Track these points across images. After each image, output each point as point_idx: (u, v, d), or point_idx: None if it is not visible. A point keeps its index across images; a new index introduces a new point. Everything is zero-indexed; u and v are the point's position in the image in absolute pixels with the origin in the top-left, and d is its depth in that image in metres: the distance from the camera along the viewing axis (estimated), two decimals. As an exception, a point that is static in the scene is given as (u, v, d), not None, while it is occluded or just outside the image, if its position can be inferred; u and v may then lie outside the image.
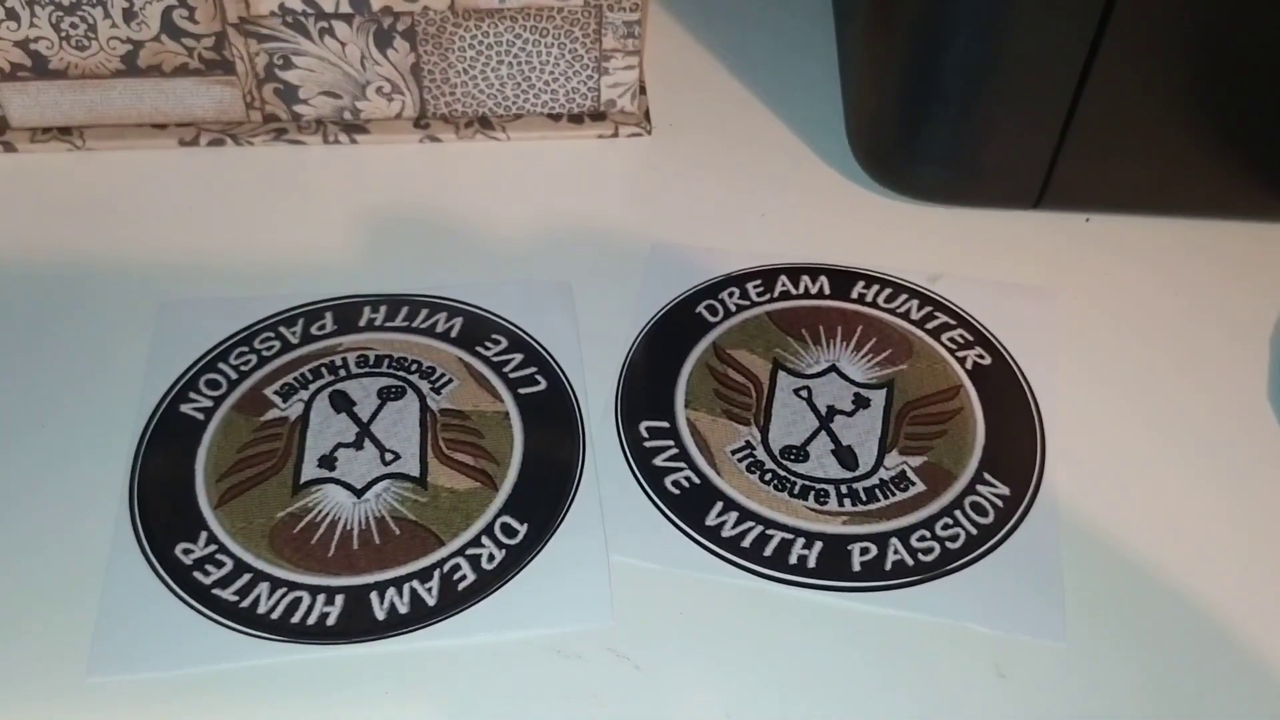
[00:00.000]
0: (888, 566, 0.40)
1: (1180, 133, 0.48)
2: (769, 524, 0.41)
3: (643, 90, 0.55)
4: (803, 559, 0.41)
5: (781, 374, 0.46)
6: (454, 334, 0.46)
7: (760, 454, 0.43)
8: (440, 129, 0.54)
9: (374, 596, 0.39)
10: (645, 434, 0.44)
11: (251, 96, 0.52)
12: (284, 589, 0.39)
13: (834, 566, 0.40)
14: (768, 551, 0.41)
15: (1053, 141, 0.48)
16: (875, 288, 0.49)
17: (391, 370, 0.45)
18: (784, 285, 0.49)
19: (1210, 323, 0.48)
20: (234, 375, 0.45)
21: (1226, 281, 0.50)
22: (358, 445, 0.43)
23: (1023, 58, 0.46)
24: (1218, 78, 0.46)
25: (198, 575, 0.39)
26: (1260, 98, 0.46)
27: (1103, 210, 0.52)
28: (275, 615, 0.39)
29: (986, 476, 0.43)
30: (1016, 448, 0.44)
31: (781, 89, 0.57)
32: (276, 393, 0.44)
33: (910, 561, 0.41)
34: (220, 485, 0.42)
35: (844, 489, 0.42)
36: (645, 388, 0.45)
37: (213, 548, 0.40)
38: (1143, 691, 0.38)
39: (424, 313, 0.47)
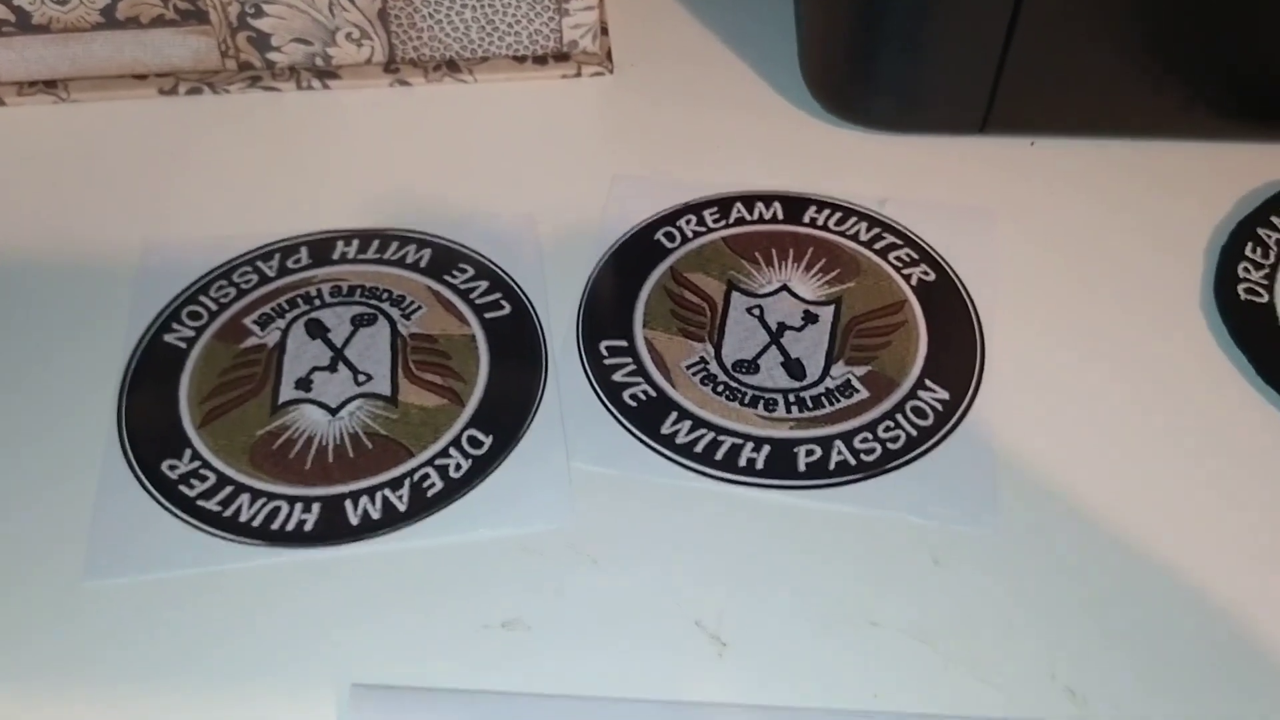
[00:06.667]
0: (831, 466, 0.43)
1: (1115, 56, 0.50)
2: (720, 430, 0.44)
3: (604, 31, 0.57)
4: (751, 461, 0.43)
5: (735, 294, 0.48)
6: (423, 264, 0.49)
7: (713, 368, 0.46)
8: (409, 73, 0.56)
9: (348, 504, 0.42)
10: (605, 352, 0.46)
11: (226, 45, 0.54)
12: (264, 499, 0.42)
13: (781, 467, 0.43)
14: (719, 456, 0.43)
15: (993, 67, 0.50)
16: (826, 212, 0.51)
17: (364, 299, 0.48)
18: (739, 212, 0.51)
19: (1147, 238, 0.51)
20: (214, 307, 0.47)
21: (1163, 198, 0.52)
22: (332, 368, 0.46)
23: (958, -15, 0.48)
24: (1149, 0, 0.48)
25: (183, 488, 0.42)
26: (1192, 18, 0.48)
27: (1045, 133, 0.54)
28: (256, 523, 0.41)
29: (927, 383, 0.45)
30: (957, 356, 0.46)
31: (738, 27, 0.59)
32: (255, 322, 0.47)
33: (853, 461, 0.43)
34: (203, 407, 0.44)
35: (791, 397, 0.45)
36: (606, 309, 0.48)
37: (197, 463, 0.43)
38: (1066, 576, 0.41)
39: (394, 245, 0.49)
